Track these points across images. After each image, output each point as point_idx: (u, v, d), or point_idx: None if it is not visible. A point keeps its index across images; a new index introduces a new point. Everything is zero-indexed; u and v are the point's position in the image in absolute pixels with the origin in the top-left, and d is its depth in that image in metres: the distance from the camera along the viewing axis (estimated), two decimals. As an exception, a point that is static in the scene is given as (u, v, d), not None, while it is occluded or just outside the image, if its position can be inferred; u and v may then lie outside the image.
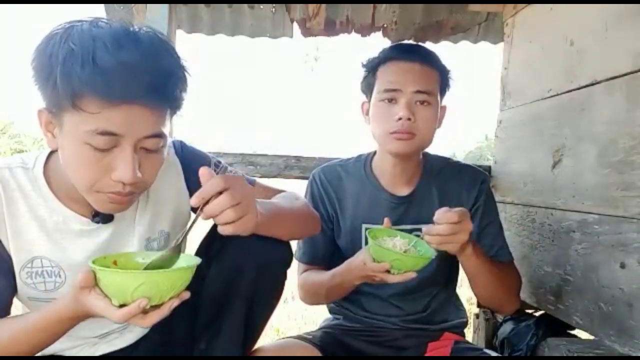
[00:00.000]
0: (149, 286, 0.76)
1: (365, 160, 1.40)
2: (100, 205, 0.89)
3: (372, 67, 1.30)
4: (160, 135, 0.87)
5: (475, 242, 1.18)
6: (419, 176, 1.35)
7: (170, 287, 0.78)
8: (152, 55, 0.81)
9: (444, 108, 1.31)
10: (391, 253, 1.09)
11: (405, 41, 2.29)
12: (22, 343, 0.88)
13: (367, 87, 1.32)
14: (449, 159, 1.42)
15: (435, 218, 1.08)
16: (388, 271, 1.10)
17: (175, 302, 0.81)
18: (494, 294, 1.28)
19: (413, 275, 1.10)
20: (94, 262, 0.80)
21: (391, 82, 1.25)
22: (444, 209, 1.08)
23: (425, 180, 1.35)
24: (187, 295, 0.82)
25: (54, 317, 0.85)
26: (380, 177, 1.35)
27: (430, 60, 1.26)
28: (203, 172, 0.80)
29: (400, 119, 1.21)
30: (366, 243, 1.28)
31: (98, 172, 0.84)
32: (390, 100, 1.24)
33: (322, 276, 1.31)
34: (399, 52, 1.27)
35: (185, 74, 0.87)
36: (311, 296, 1.37)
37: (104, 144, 0.82)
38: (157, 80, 0.81)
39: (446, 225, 1.06)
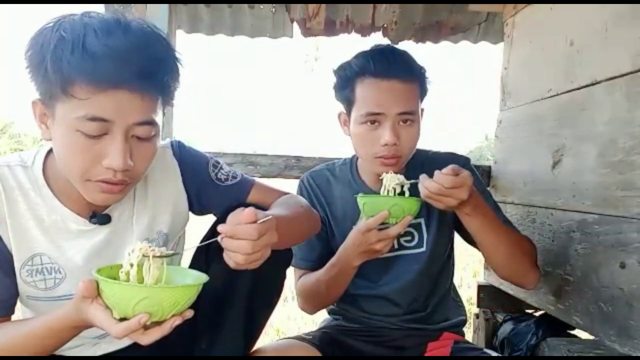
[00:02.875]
0: (151, 301, 0.74)
1: (351, 163, 1.40)
2: (92, 196, 0.89)
3: (348, 79, 1.25)
4: (151, 123, 0.86)
5: (480, 199, 1.16)
6: (403, 174, 1.35)
7: (173, 303, 0.76)
8: (142, 43, 0.82)
9: (422, 110, 1.30)
10: (388, 199, 1.14)
11: (409, 43, 2.30)
12: (30, 347, 0.87)
13: (346, 101, 1.28)
14: (428, 151, 1.41)
15: (434, 177, 1.09)
16: (387, 224, 1.13)
17: (178, 320, 0.78)
18: (512, 260, 1.23)
19: (410, 219, 1.14)
20: (99, 271, 0.78)
21: (373, 105, 1.20)
22: (447, 169, 1.08)
23: (411, 177, 1.34)
24: (190, 313, 0.80)
25: (54, 324, 0.85)
26: (366, 179, 1.36)
27: (409, 73, 1.22)
28: (249, 212, 0.79)
29: (385, 144, 1.20)
30: None
31: (89, 159, 0.84)
32: (373, 123, 1.21)
33: (319, 273, 1.30)
34: (376, 69, 1.20)
35: (177, 64, 0.88)
36: (312, 298, 1.35)
37: (95, 130, 0.82)
38: (146, 66, 0.81)
39: (438, 186, 1.07)
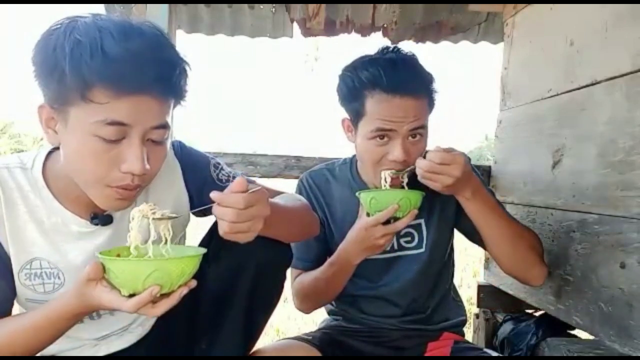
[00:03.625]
0: (160, 273, 0.77)
1: (351, 163, 1.39)
2: (106, 202, 0.89)
3: (356, 91, 1.20)
4: (166, 126, 0.87)
5: (480, 185, 1.19)
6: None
7: (180, 274, 0.79)
8: (158, 46, 0.82)
9: None
10: (397, 193, 1.16)
11: (409, 43, 2.29)
12: (30, 339, 0.87)
13: (353, 112, 1.24)
14: (428, 150, 1.40)
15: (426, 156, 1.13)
16: (388, 221, 1.15)
17: (185, 290, 0.81)
18: (516, 251, 1.23)
19: (416, 212, 1.16)
20: (100, 254, 0.81)
21: (384, 121, 1.17)
22: (437, 147, 1.13)
23: (410, 177, 1.34)
24: (194, 283, 0.83)
25: (55, 314, 0.85)
26: (367, 180, 1.35)
27: (421, 87, 1.19)
28: (239, 181, 0.81)
29: (394, 160, 1.18)
30: None
31: (107, 164, 0.84)
32: (382, 138, 1.19)
33: (317, 272, 1.30)
34: (388, 83, 1.16)
35: (186, 66, 0.88)
36: (309, 297, 1.34)
37: (113, 135, 0.82)
38: (164, 70, 0.82)
39: (429, 163, 1.10)
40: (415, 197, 1.16)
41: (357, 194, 1.20)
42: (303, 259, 1.35)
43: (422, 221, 1.34)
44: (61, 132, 0.85)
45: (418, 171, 1.13)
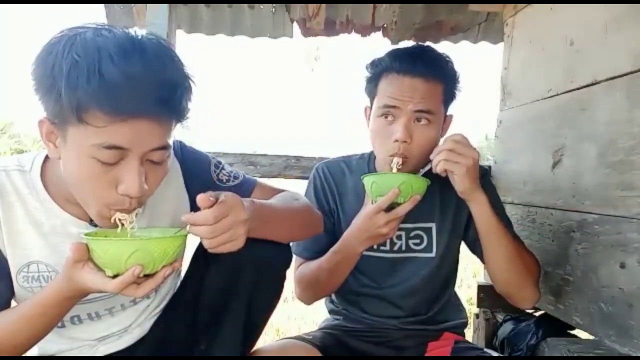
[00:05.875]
0: (142, 253, 0.77)
1: (369, 159, 1.39)
2: (103, 221, 0.88)
3: (375, 75, 1.25)
4: (166, 147, 0.86)
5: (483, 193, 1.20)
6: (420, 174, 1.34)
7: (162, 254, 0.79)
8: (159, 66, 0.79)
9: (449, 118, 1.28)
10: (398, 177, 1.14)
11: (409, 43, 2.29)
12: (23, 331, 0.87)
13: (370, 95, 1.29)
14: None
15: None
16: (392, 207, 1.14)
17: (168, 271, 0.81)
18: (513, 269, 1.22)
19: (419, 198, 1.14)
20: (85, 235, 0.81)
21: (390, 98, 1.19)
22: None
23: (427, 178, 1.34)
24: (179, 264, 0.84)
25: (50, 300, 0.85)
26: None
27: (435, 73, 1.20)
28: (201, 198, 0.81)
29: (396, 140, 1.18)
30: None
31: (104, 186, 0.82)
32: (387, 116, 1.20)
33: (320, 260, 1.29)
34: (401, 64, 1.20)
35: (191, 83, 0.86)
36: (311, 286, 1.33)
37: (111, 158, 0.80)
38: (164, 93, 0.79)
39: (451, 142, 1.12)
40: (417, 183, 1.14)
41: (361, 177, 1.20)
42: (310, 249, 1.35)
43: (433, 225, 1.33)
44: (61, 148, 0.84)
45: (438, 157, 1.13)
